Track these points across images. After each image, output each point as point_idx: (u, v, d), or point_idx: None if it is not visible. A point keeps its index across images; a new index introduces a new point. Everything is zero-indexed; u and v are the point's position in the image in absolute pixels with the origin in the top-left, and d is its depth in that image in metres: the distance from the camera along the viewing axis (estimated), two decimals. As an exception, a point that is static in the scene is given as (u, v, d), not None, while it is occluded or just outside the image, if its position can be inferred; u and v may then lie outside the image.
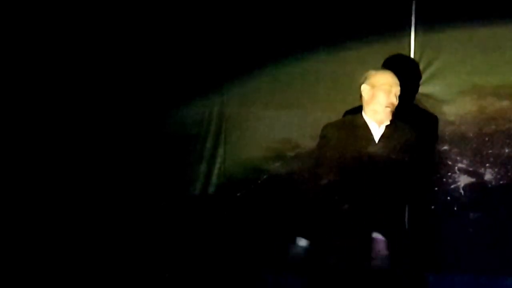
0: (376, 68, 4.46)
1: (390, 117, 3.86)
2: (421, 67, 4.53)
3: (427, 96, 4.52)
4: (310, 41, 4.70)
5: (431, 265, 4.48)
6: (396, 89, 3.87)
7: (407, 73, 4.36)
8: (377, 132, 3.86)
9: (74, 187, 4.91)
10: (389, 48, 4.56)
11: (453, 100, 4.49)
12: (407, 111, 4.15)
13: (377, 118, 3.86)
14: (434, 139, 4.47)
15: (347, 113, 4.26)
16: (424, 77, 4.52)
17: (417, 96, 4.51)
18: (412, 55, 4.54)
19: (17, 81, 4.93)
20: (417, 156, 3.85)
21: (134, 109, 4.93)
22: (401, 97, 3.88)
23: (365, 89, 3.90)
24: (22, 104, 4.93)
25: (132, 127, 4.93)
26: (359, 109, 3.96)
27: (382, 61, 4.55)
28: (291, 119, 4.74)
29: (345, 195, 3.79)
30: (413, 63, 4.54)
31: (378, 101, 3.86)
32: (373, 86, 3.88)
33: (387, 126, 3.86)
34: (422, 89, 4.53)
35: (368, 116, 3.88)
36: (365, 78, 3.92)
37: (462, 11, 4.46)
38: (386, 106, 3.85)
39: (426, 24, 4.50)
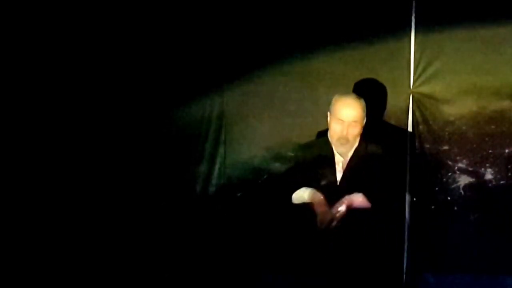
0: (377, 73, 4.51)
1: (347, 148, 3.88)
2: (421, 67, 4.53)
3: (427, 96, 4.51)
4: (310, 41, 4.70)
5: (431, 265, 4.49)
6: (351, 122, 3.84)
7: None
8: (340, 159, 3.90)
9: (74, 187, 4.91)
10: (389, 48, 4.56)
11: (453, 100, 4.49)
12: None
13: (336, 148, 3.90)
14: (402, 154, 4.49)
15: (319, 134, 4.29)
16: (424, 77, 4.52)
17: (417, 96, 4.51)
18: (412, 55, 4.53)
19: (17, 81, 4.93)
20: (386, 177, 3.88)
21: (134, 109, 4.93)
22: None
23: (327, 115, 3.94)
24: (22, 104, 4.93)
25: (132, 127, 4.93)
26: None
27: (382, 61, 4.56)
28: (291, 119, 4.74)
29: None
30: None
31: (332, 132, 3.91)
32: (331, 115, 3.91)
33: (352, 155, 3.89)
34: (422, 89, 4.53)
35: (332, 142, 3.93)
36: (330, 103, 3.96)
37: (462, 11, 4.46)
38: (337, 140, 3.86)
39: (426, 24, 4.50)
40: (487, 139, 4.45)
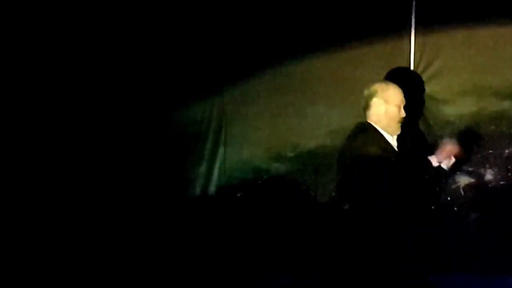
0: (377, 73, 4.49)
1: (399, 127, 3.96)
2: (421, 67, 4.53)
3: (427, 96, 4.51)
4: (310, 41, 4.70)
5: (432, 265, 4.48)
6: (402, 104, 3.97)
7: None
8: (393, 142, 3.95)
9: (74, 187, 4.91)
10: (389, 48, 4.56)
11: (453, 100, 4.49)
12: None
13: (389, 131, 3.94)
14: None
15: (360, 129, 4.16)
16: (424, 77, 4.52)
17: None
18: (412, 55, 4.53)
19: (17, 82, 4.93)
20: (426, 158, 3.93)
21: (135, 109, 4.93)
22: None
23: (378, 104, 3.95)
24: (22, 104, 4.94)
25: (133, 127, 4.93)
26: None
27: (382, 61, 4.55)
28: (291, 119, 4.74)
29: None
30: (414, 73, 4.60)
31: (392, 117, 3.95)
32: (386, 102, 3.95)
33: (398, 136, 3.97)
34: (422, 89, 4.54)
35: (381, 128, 3.95)
36: (375, 92, 3.97)
37: (462, 12, 4.46)
38: (399, 122, 3.94)
39: (426, 24, 4.50)
40: (487, 139, 4.45)
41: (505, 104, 4.41)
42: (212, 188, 4.92)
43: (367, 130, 3.97)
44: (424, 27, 4.51)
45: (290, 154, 4.73)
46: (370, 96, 3.95)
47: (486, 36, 4.42)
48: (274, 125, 4.76)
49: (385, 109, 3.95)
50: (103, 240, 4.87)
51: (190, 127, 4.92)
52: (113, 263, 4.84)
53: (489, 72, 4.42)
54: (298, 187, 4.60)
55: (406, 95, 3.98)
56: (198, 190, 4.91)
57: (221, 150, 4.90)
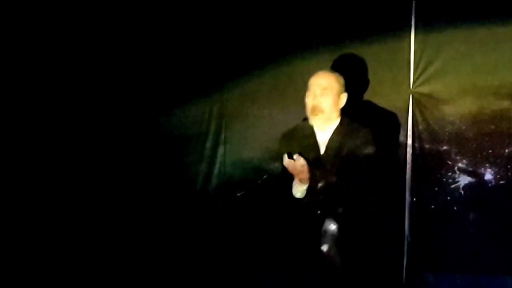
0: (377, 73, 4.50)
1: (324, 120, 3.75)
2: (421, 67, 4.52)
3: (427, 96, 4.51)
4: (310, 41, 4.70)
5: (431, 265, 4.48)
6: (319, 90, 3.75)
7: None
8: (322, 138, 3.77)
9: (75, 187, 4.91)
10: (389, 48, 4.56)
11: (453, 100, 4.48)
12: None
13: (312, 122, 3.78)
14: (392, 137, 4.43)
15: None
16: (424, 77, 4.52)
17: (417, 96, 4.51)
18: (412, 55, 4.53)
19: (17, 83, 4.94)
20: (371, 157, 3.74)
21: (135, 109, 4.94)
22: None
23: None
24: (24, 106, 4.94)
25: (133, 127, 4.94)
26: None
27: (382, 61, 4.55)
28: (291, 119, 4.72)
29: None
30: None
31: (307, 106, 3.80)
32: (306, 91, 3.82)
33: (335, 130, 3.76)
34: (422, 89, 4.53)
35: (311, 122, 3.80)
36: None
37: (462, 11, 4.46)
38: (310, 112, 3.76)
39: (426, 24, 4.50)
40: (487, 139, 4.44)
41: (505, 104, 4.40)
42: (212, 188, 4.92)
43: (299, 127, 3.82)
44: (424, 27, 4.51)
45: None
46: None
47: (486, 36, 4.41)
48: (274, 125, 4.75)
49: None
50: (103, 240, 4.87)
51: (190, 127, 4.93)
52: (113, 263, 4.84)
53: (489, 72, 4.41)
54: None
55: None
56: (198, 189, 4.91)
57: (221, 150, 4.90)
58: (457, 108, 4.47)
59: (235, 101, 4.85)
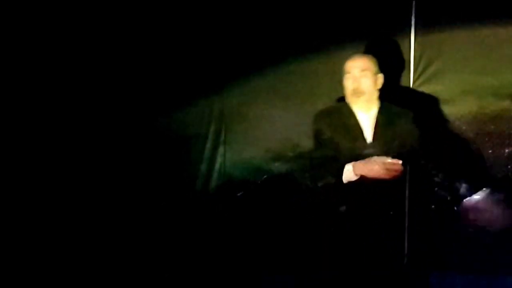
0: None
1: (365, 102, 3.70)
2: (421, 67, 4.52)
3: (427, 96, 4.51)
4: (310, 41, 4.70)
5: (432, 265, 4.48)
6: (360, 72, 3.71)
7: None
8: (366, 122, 3.73)
9: (74, 187, 4.91)
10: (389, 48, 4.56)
11: (453, 100, 4.48)
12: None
13: (353, 105, 3.73)
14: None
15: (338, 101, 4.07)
16: (424, 77, 4.52)
17: (418, 96, 4.51)
18: (412, 55, 4.53)
19: (17, 84, 4.94)
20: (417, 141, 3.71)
21: (134, 109, 4.93)
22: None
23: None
24: (24, 107, 4.94)
25: (133, 127, 4.94)
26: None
27: (382, 61, 4.55)
28: (291, 119, 4.73)
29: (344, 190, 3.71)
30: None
31: (346, 89, 3.75)
32: (343, 76, 3.78)
33: (378, 115, 3.72)
34: (422, 89, 4.53)
35: (352, 105, 3.76)
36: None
37: (462, 11, 4.45)
38: (351, 95, 3.71)
39: (426, 24, 4.50)
40: (487, 139, 4.45)
41: (505, 104, 4.41)
42: (212, 188, 4.92)
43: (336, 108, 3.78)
44: (424, 27, 4.50)
45: (290, 154, 4.73)
46: None
47: (486, 36, 4.41)
48: (274, 125, 4.76)
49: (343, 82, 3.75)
50: (103, 239, 4.87)
51: (190, 127, 4.92)
52: (113, 263, 4.84)
53: (489, 72, 4.41)
54: (298, 187, 4.59)
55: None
56: (198, 190, 4.91)
57: (221, 150, 4.90)
58: (457, 108, 4.47)
59: (235, 101, 4.85)
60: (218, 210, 4.86)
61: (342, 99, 3.89)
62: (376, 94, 3.77)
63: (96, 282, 4.79)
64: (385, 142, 3.70)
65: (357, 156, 3.66)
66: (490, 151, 4.45)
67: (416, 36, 4.52)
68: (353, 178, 3.63)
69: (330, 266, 3.76)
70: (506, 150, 4.43)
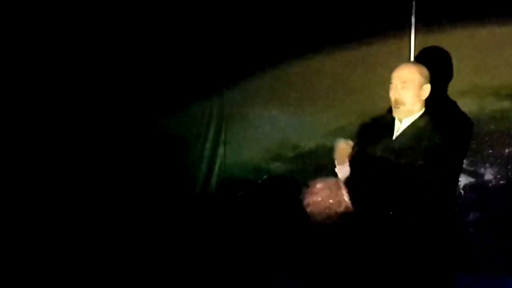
0: (377, 73, 4.48)
1: (405, 112, 3.73)
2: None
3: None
4: (310, 41, 4.70)
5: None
6: (400, 83, 3.74)
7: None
8: (398, 129, 3.77)
9: (73, 189, 4.91)
10: (389, 48, 4.56)
11: (453, 100, 4.48)
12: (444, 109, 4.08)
13: (394, 114, 3.78)
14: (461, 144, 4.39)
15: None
16: (424, 77, 4.51)
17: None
18: (412, 55, 4.53)
19: (17, 85, 4.94)
20: (435, 159, 3.65)
21: (135, 110, 4.94)
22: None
23: None
24: (23, 108, 4.94)
25: (133, 128, 4.94)
26: None
27: (382, 61, 4.55)
28: (291, 119, 4.74)
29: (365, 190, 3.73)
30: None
31: (390, 98, 3.80)
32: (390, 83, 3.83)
33: (410, 124, 3.75)
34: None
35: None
36: None
37: (462, 11, 4.45)
38: (393, 105, 3.76)
39: (426, 24, 4.50)
40: (487, 139, 4.44)
41: (505, 104, 4.40)
42: (212, 188, 4.93)
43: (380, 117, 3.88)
44: (424, 27, 4.50)
45: (290, 154, 4.73)
46: None
47: (486, 36, 4.41)
48: (274, 125, 4.76)
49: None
50: (104, 239, 4.87)
51: (190, 127, 4.93)
52: (113, 263, 4.84)
53: (489, 72, 4.41)
54: (298, 187, 4.60)
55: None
56: (198, 189, 4.91)
57: (221, 150, 4.90)
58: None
59: (235, 101, 4.86)
60: (218, 210, 4.86)
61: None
62: (419, 104, 3.76)
63: (96, 282, 4.79)
64: (404, 145, 3.71)
65: (381, 152, 3.71)
66: (490, 151, 4.45)
67: (416, 36, 4.51)
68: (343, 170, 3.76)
69: (330, 266, 3.76)
70: (506, 150, 4.42)
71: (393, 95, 3.77)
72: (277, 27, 4.75)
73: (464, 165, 4.47)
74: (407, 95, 3.75)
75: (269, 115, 4.79)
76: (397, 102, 3.75)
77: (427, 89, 3.79)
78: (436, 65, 4.51)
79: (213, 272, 4.80)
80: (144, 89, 4.92)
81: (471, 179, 4.48)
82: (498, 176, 4.44)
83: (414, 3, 4.51)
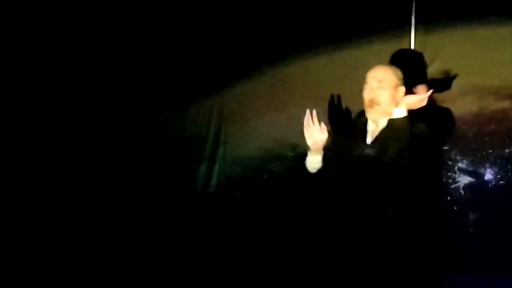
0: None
1: (379, 113, 3.70)
2: (421, 67, 4.53)
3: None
4: (310, 41, 4.70)
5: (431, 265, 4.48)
6: (376, 83, 3.71)
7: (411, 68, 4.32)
8: (371, 132, 3.75)
9: (73, 189, 4.91)
10: (389, 48, 4.55)
11: (453, 100, 4.48)
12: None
13: (367, 114, 3.76)
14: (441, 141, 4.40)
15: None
16: (424, 77, 4.52)
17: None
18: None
19: (17, 85, 4.94)
20: (413, 160, 3.65)
21: (135, 110, 4.93)
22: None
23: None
24: (24, 108, 4.94)
25: (133, 128, 4.94)
26: None
27: (382, 61, 4.54)
28: (291, 119, 4.73)
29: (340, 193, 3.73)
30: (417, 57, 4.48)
31: (363, 98, 3.76)
32: (364, 84, 3.79)
33: (386, 126, 3.72)
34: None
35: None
36: None
37: (462, 11, 4.45)
38: (367, 105, 3.73)
39: (426, 24, 4.50)
40: (487, 139, 4.44)
41: (505, 104, 4.40)
42: (212, 188, 4.92)
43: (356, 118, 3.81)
44: (424, 27, 4.50)
45: (290, 154, 4.73)
46: None
47: (486, 36, 4.41)
48: (274, 125, 4.76)
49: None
50: (104, 240, 4.87)
51: (190, 127, 4.92)
52: (114, 264, 4.84)
53: (489, 72, 4.41)
54: (298, 187, 4.60)
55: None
56: (198, 190, 4.91)
57: (221, 150, 4.90)
58: (457, 108, 4.46)
59: (235, 101, 4.85)
60: (218, 210, 4.86)
61: None
62: (393, 106, 3.73)
63: (96, 282, 4.79)
64: (381, 147, 3.68)
65: (354, 156, 3.69)
66: (490, 151, 4.45)
67: (416, 36, 4.51)
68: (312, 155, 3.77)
69: (330, 265, 3.75)
70: (506, 150, 4.42)
71: (368, 95, 3.74)
72: (277, 27, 4.75)
73: (464, 165, 4.49)
74: (383, 95, 3.73)
75: (269, 115, 4.78)
76: (372, 102, 3.72)
77: (401, 90, 3.78)
78: (436, 65, 4.52)
79: (213, 271, 4.80)
80: (144, 89, 4.92)
81: (471, 179, 4.48)
82: (498, 176, 4.44)
83: (414, 3, 4.51)
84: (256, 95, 4.80)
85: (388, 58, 4.54)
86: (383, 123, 3.74)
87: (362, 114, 3.92)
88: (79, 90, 4.94)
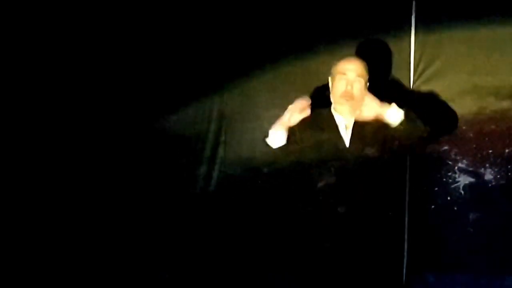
0: (371, 70, 4.46)
1: (352, 106, 3.63)
2: (421, 67, 4.52)
3: (427, 96, 4.51)
4: (310, 40, 4.70)
5: (432, 265, 4.49)
6: (355, 77, 3.65)
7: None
8: (343, 127, 3.70)
9: (73, 189, 4.91)
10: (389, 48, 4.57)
11: (453, 100, 4.48)
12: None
13: (338, 111, 3.70)
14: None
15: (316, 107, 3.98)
16: (424, 77, 4.52)
17: (418, 96, 4.51)
18: (412, 55, 4.53)
19: (16, 85, 4.94)
20: (392, 154, 3.66)
21: (135, 110, 4.93)
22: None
23: (329, 81, 3.75)
24: (24, 108, 4.94)
25: (133, 128, 4.94)
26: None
27: (382, 61, 4.55)
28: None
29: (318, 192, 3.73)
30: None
31: (336, 90, 3.68)
32: (334, 76, 3.72)
33: (356, 122, 3.68)
34: (422, 89, 4.53)
35: (334, 110, 3.72)
36: (332, 69, 3.78)
37: (462, 11, 4.46)
38: (341, 96, 3.66)
39: (426, 24, 4.50)
40: (487, 139, 4.45)
41: (505, 104, 4.41)
42: (212, 188, 4.92)
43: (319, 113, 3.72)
44: (424, 27, 4.51)
45: (290, 154, 4.72)
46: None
47: (486, 36, 4.41)
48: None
49: (332, 85, 3.67)
50: (104, 240, 4.87)
51: (190, 127, 4.92)
52: (113, 263, 4.84)
53: (489, 72, 4.42)
54: (298, 187, 4.59)
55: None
56: (198, 190, 4.91)
57: (221, 150, 4.90)
58: (457, 108, 4.47)
59: (235, 101, 4.85)
60: (218, 210, 4.86)
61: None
62: (362, 101, 3.67)
63: (96, 282, 4.79)
64: (361, 147, 3.68)
65: (337, 159, 3.67)
66: (490, 151, 4.45)
67: (416, 36, 4.52)
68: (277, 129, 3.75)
69: (329, 265, 3.76)
70: (506, 150, 4.43)
71: (343, 86, 3.65)
72: (276, 26, 4.74)
73: (464, 165, 4.49)
74: (357, 89, 3.67)
75: (269, 115, 4.77)
76: (347, 94, 3.64)
77: (367, 83, 3.75)
78: (436, 65, 4.53)
79: (213, 271, 4.80)
80: (144, 89, 4.92)
81: (471, 179, 4.48)
82: (498, 176, 4.44)
83: (414, 3, 4.51)
84: (256, 95, 4.80)
85: (388, 58, 4.55)
86: (351, 121, 3.69)
87: (320, 106, 3.85)
88: (79, 90, 4.93)
